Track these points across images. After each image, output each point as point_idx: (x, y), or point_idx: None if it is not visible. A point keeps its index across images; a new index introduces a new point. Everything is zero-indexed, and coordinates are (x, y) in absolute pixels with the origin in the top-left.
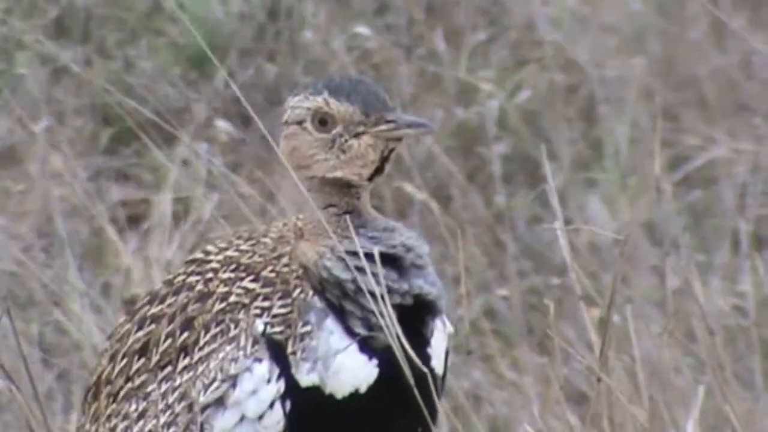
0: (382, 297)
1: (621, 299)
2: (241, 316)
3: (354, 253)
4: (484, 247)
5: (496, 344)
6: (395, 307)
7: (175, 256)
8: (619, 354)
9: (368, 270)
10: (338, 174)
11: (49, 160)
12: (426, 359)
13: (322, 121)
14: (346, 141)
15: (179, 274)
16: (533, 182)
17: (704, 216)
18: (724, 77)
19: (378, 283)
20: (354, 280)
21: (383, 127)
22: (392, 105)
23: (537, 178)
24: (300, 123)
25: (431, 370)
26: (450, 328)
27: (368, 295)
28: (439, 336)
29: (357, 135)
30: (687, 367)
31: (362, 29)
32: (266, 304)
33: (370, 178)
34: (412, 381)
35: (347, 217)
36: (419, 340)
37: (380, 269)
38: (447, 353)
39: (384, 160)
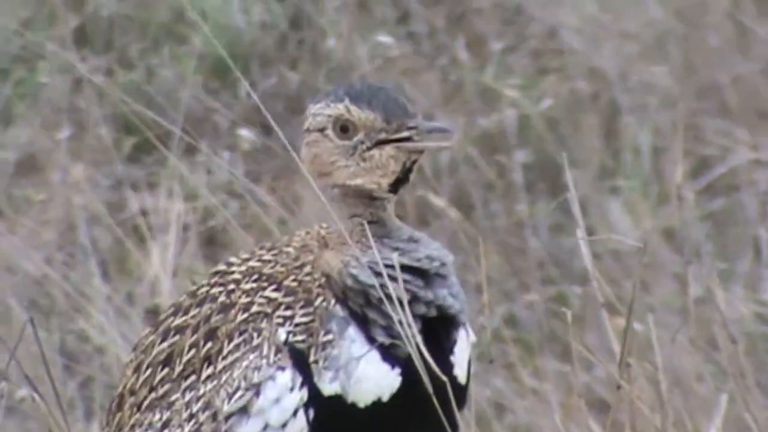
0: (402, 304)
1: (643, 307)
2: (263, 325)
3: (377, 263)
4: (506, 255)
5: (517, 352)
6: (419, 317)
7: (196, 266)
8: (641, 362)
9: (396, 278)
10: (358, 181)
11: (70, 170)
12: (448, 368)
13: (344, 129)
14: (368, 149)
15: (203, 286)
16: (555, 190)
17: (726, 224)
18: (746, 84)
19: (402, 291)
20: (381, 286)
21: (405, 133)
22: (413, 112)
23: (559, 186)
24: (321, 130)
25: (453, 379)
26: (473, 337)
27: (393, 303)
28: (462, 345)
29: (379, 143)
30: (709, 375)
31: (384, 38)
32: (288, 313)
33: (395, 190)
34: (431, 389)
35: (366, 225)
36: (441, 350)
37: (400, 277)
38: (470, 362)
39: (407, 171)
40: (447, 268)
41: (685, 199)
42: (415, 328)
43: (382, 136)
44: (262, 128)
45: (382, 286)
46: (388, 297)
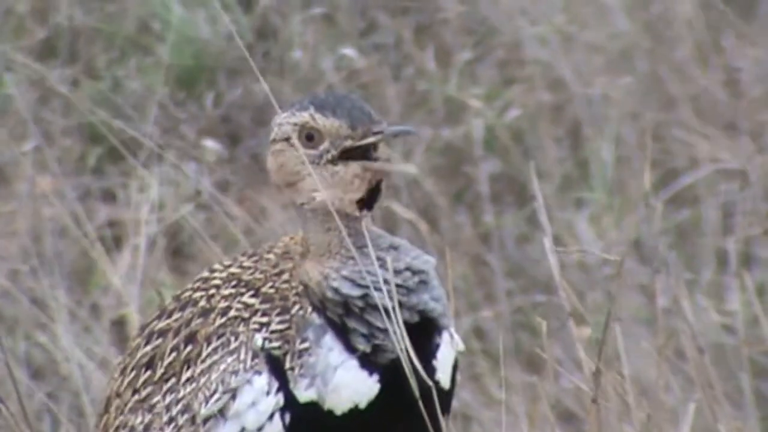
0: (388, 312)
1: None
2: (240, 329)
3: (360, 273)
4: (472, 266)
5: (485, 364)
6: (403, 322)
7: (162, 277)
8: (609, 372)
9: (379, 288)
10: (322, 198)
11: (37, 181)
12: (431, 373)
13: (309, 137)
14: (333, 159)
15: (186, 290)
16: (520, 202)
17: (689, 235)
18: (710, 96)
19: (389, 298)
20: (363, 297)
21: (371, 139)
22: (378, 118)
23: (524, 197)
24: (287, 140)
25: (436, 383)
26: (461, 345)
27: (379, 311)
28: (446, 349)
29: (345, 151)
30: (676, 385)
31: (349, 51)
32: (265, 319)
33: (369, 207)
34: (417, 394)
35: (346, 237)
36: (424, 354)
37: (394, 287)
38: (455, 367)
39: (372, 191)
40: (428, 275)
41: (654, 209)
42: (405, 335)
43: (348, 143)
44: (228, 139)
45: (363, 296)
46: (368, 307)
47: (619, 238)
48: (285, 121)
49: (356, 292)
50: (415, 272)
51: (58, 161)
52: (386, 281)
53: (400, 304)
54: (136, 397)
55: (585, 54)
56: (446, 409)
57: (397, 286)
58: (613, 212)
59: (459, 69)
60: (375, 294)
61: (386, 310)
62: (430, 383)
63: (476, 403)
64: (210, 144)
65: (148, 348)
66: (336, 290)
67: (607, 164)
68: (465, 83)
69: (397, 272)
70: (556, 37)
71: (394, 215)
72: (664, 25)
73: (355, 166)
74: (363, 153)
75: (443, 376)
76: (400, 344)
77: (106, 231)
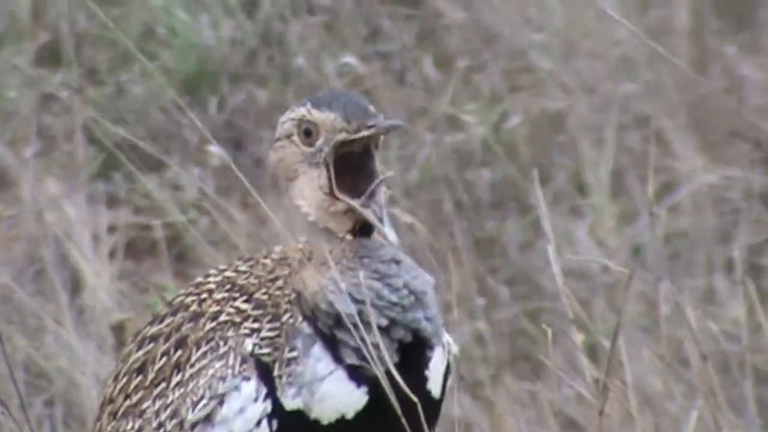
0: (380, 329)
1: (610, 325)
2: (230, 333)
3: (357, 285)
4: (474, 273)
5: (485, 371)
6: (396, 340)
7: (166, 281)
8: (612, 380)
9: (374, 305)
10: (306, 211)
11: (40, 185)
12: (422, 383)
13: (307, 132)
14: (326, 158)
15: (179, 296)
16: (520, 209)
17: (694, 242)
18: (712, 104)
19: (378, 315)
20: (357, 314)
21: (365, 132)
22: (374, 113)
23: (525, 205)
24: (288, 137)
25: (427, 394)
26: (454, 347)
27: (371, 326)
28: (438, 360)
29: (339, 145)
30: (679, 392)
31: (350, 58)
32: (256, 325)
33: (362, 234)
34: (399, 411)
35: (347, 246)
36: (414, 370)
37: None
38: (446, 375)
39: (363, 223)
40: (426, 294)
41: (657, 217)
42: (387, 353)
43: (342, 136)
44: (232, 144)
45: (357, 313)
46: (368, 322)
47: (619, 245)
48: (285, 119)
49: (350, 309)
50: (411, 291)
51: (62, 166)
52: (380, 297)
53: (394, 322)
54: (128, 402)
55: (587, 61)
56: (435, 417)
57: (393, 303)
58: (612, 220)
59: (459, 77)
60: (369, 311)
61: (378, 327)
62: (415, 399)
63: (477, 410)
64: (213, 149)
65: (140, 353)
66: (330, 304)
67: (607, 172)
68: (467, 91)
69: (394, 289)
70: (559, 45)
71: (396, 220)
72: (665, 33)
73: (342, 205)
74: (361, 153)
75: (434, 386)
76: (380, 366)
77: (109, 236)
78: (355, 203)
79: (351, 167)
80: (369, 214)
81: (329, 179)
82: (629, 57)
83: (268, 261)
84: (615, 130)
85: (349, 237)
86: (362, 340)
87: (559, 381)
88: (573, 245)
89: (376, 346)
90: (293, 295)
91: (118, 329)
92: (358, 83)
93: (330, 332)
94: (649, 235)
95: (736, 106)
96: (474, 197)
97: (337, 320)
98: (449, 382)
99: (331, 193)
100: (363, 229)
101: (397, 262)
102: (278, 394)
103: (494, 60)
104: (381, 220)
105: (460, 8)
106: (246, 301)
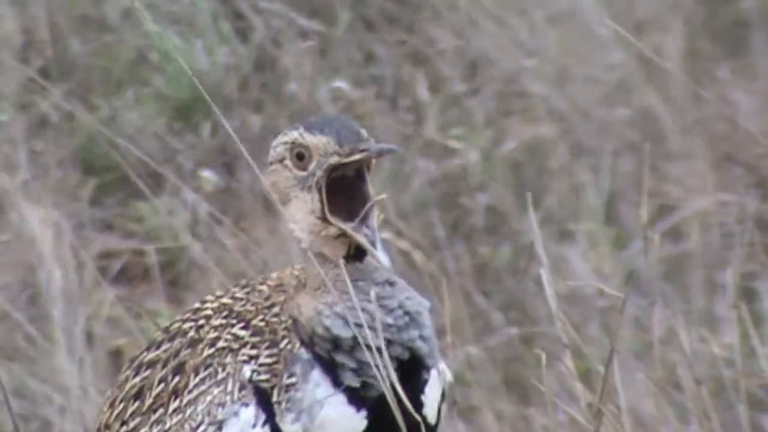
0: (379, 351)
1: (603, 349)
2: (228, 360)
3: (353, 309)
4: (467, 298)
5: (479, 396)
6: (394, 358)
7: (159, 307)
8: (605, 404)
9: (372, 327)
10: (308, 243)
11: (32, 211)
12: (418, 408)
13: (300, 156)
14: (318, 182)
15: (176, 321)
16: (511, 235)
17: (686, 267)
18: (706, 128)
19: (377, 336)
20: (354, 337)
21: (357, 156)
22: (366, 137)
23: (516, 230)
24: (281, 161)
25: (424, 419)
26: (448, 374)
27: (366, 350)
28: (433, 384)
29: (331, 168)
30: (673, 417)
31: (341, 83)
32: (254, 352)
33: (356, 260)
34: (404, 430)
35: (343, 268)
36: (412, 390)
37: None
38: (441, 400)
39: (359, 247)
40: (421, 315)
41: (651, 241)
42: (392, 371)
43: (335, 159)
44: (226, 169)
45: (353, 337)
46: (358, 345)
47: (612, 269)
48: (278, 143)
49: (347, 333)
50: (406, 312)
51: (55, 191)
52: (375, 319)
53: (391, 342)
54: (125, 428)
55: (580, 86)
56: None
57: (388, 324)
58: (605, 245)
59: (450, 102)
60: (367, 333)
61: (379, 350)
62: (419, 418)
63: None
64: (207, 174)
65: (137, 379)
66: (327, 329)
67: (602, 196)
68: (459, 116)
69: (389, 310)
70: (551, 69)
71: (389, 245)
72: (658, 57)
73: (334, 230)
74: (354, 176)
75: (430, 411)
76: (387, 381)
77: (102, 261)
78: (347, 227)
79: (343, 191)
80: (361, 238)
81: (321, 203)
82: (623, 82)
83: (264, 287)
84: (610, 155)
85: (342, 262)
86: (361, 361)
87: (553, 406)
88: (567, 270)
89: (375, 366)
90: (290, 322)
91: (114, 354)
92: (352, 108)
93: (328, 356)
94: (644, 259)
95: (730, 130)
96: (467, 223)
97: (335, 344)
98: (444, 409)
99: (324, 218)
100: (356, 254)
101: (391, 284)
102: (277, 419)
103: (487, 85)
104: (373, 244)
105: (453, 34)
106: (243, 327)
